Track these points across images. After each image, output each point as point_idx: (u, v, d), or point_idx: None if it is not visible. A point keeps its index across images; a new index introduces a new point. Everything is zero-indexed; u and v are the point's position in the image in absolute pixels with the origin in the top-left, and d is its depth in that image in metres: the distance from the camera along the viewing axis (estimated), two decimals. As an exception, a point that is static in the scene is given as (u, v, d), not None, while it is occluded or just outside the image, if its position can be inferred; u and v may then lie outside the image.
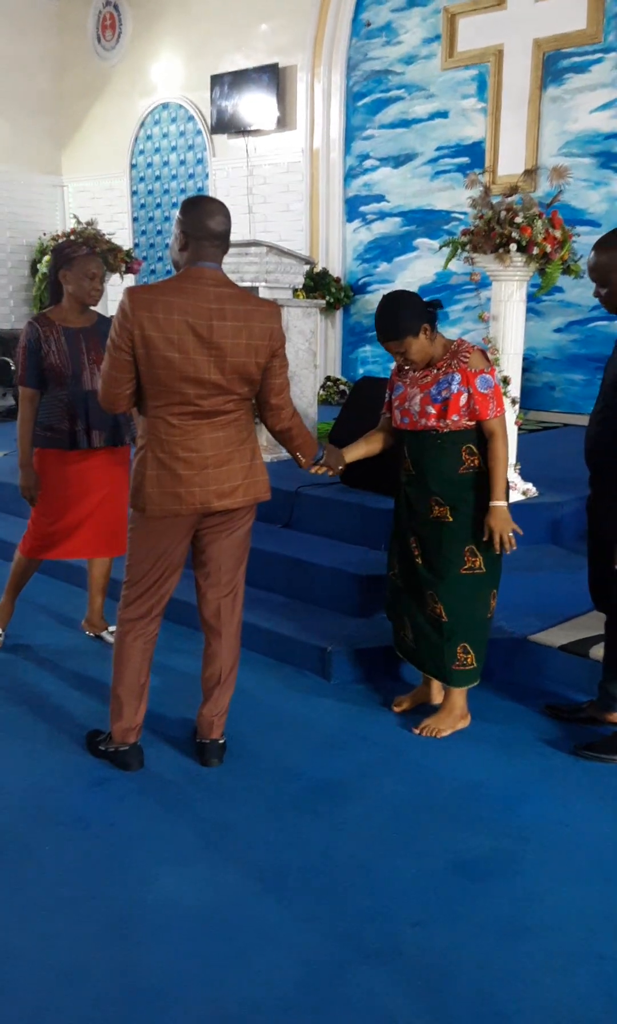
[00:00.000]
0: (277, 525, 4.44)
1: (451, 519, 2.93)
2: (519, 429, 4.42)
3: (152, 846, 2.49)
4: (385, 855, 2.46)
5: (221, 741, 2.92)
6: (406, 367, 2.98)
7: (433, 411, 2.86)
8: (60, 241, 3.42)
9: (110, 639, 3.80)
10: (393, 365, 3.09)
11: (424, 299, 2.90)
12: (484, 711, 3.24)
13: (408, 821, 2.62)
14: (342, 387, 8.30)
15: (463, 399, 2.84)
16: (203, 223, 2.51)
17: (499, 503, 2.88)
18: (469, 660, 3.03)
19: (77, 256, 3.42)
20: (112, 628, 2.77)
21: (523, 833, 2.56)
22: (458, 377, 2.84)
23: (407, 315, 2.82)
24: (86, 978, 2.01)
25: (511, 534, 2.90)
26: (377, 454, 3.16)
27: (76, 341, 3.46)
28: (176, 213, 2.57)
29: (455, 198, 7.65)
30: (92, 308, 3.56)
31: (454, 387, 2.84)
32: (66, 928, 2.17)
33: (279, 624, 3.78)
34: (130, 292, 2.47)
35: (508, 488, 2.97)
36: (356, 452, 3.11)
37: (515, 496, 4.19)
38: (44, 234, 9.93)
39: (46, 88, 10.42)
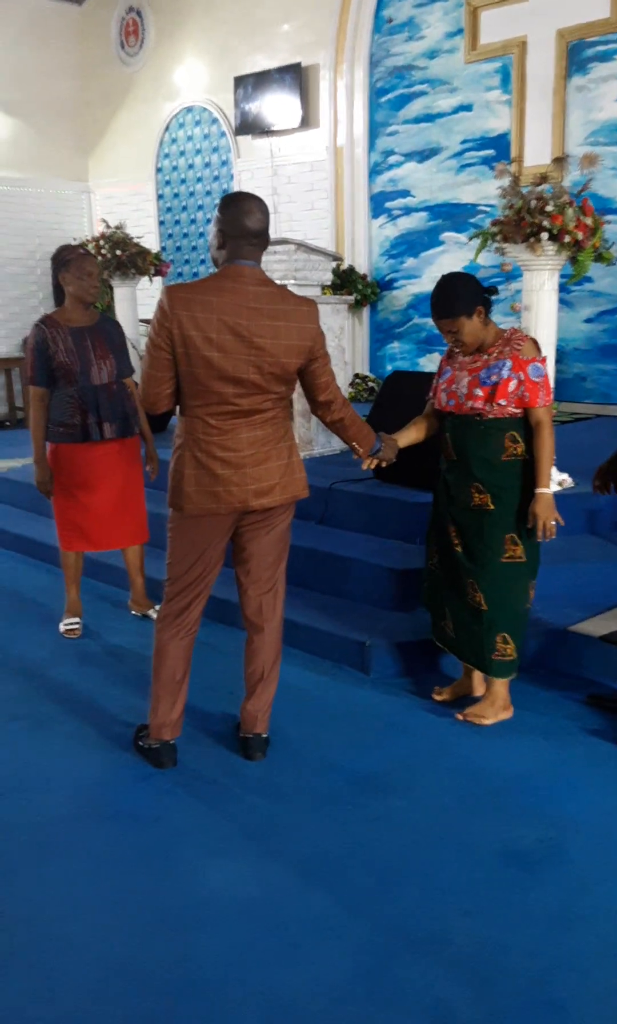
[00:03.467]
0: (312, 521, 4.45)
1: (493, 507, 2.93)
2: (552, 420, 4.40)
3: (200, 839, 2.51)
4: (431, 846, 2.47)
5: (264, 735, 2.94)
6: (457, 350, 2.98)
7: (481, 393, 2.87)
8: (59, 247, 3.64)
9: (155, 616, 3.88)
10: (443, 354, 3.09)
11: (482, 284, 2.91)
12: (526, 702, 3.23)
13: (453, 812, 2.62)
14: (371, 384, 8.29)
15: (512, 385, 2.84)
16: (240, 221, 2.51)
17: (545, 490, 2.88)
18: (509, 651, 3.02)
19: (73, 257, 3.59)
20: (158, 607, 2.83)
21: (570, 823, 2.55)
22: (509, 364, 2.84)
23: (464, 295, 2.83)
24: (140, 970, 2.03)
25: (553, 523, 2.90)
26: (424, 440, 3.16)
27: (81, 339, 3.62)
28: (216, 212, 2.57)
29: (481, 191, 7.61)
30: (94, 308, 3.70)
31: (505, 372, 2.84)
32: (119, 921, 2.19)
33: (317, 619, 3.79)
34: (169, 291, 2.48)
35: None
36: (408, 436, 3.12)
37: (551, 487, 4.16)
38: (73, 240, 10.00)
39: (70, 95, 10.51)
